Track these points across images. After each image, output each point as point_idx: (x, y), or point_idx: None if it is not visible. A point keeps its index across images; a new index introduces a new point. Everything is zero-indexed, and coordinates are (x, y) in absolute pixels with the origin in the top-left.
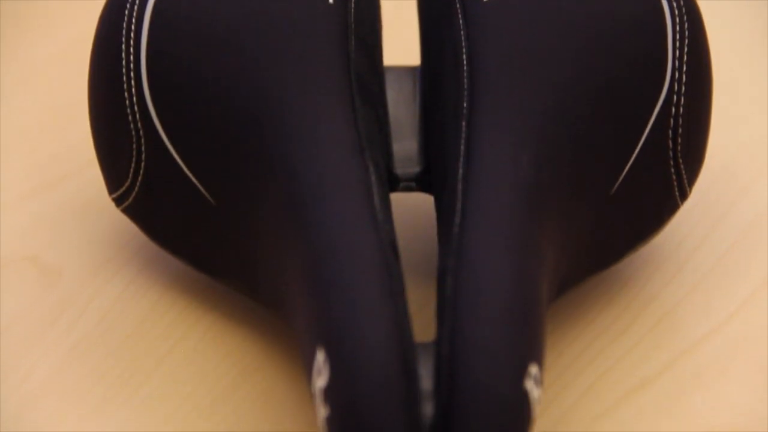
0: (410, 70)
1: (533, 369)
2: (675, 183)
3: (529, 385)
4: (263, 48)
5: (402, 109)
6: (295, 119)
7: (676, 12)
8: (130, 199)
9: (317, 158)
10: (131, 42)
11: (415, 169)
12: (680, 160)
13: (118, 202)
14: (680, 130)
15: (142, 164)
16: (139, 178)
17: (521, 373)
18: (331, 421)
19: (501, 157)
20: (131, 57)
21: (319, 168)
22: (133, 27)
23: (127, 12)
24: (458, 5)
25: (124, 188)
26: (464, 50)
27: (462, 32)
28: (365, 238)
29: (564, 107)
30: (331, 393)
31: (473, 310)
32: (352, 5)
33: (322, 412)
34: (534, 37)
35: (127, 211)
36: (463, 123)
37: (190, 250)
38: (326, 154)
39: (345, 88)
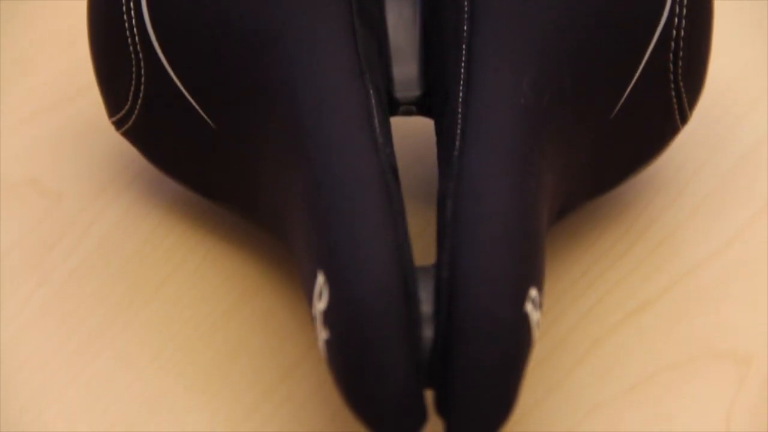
0: None
1: (533, 292)
2: (675, 106)
3: (529, 308)
4: None
5: (402, 33)
6: (295, 43)
7: None
8: (130, 123)
9: (317, 82)
10: None
11: (415, 92)
12: (681, 83)
13: (118, 125)
14: (681, 53)
15: (142, 87)
16: (139, 101)
17: (521, 297)
18: (331, 343)
19: (502, 81)
20: None
21: (319, 92)
22: None
23: None
24: None
25: (123, 111)
26: None
27: None
28: (365, 161)
29: (564, 30)
30: (330, 316)
31: (473, 233)
32: None
33: (322, 334)
34: None
35: (127, 135)
36: (464, 46)
37: (190, 173)
38: (326, 77)
39: (345, 11)
